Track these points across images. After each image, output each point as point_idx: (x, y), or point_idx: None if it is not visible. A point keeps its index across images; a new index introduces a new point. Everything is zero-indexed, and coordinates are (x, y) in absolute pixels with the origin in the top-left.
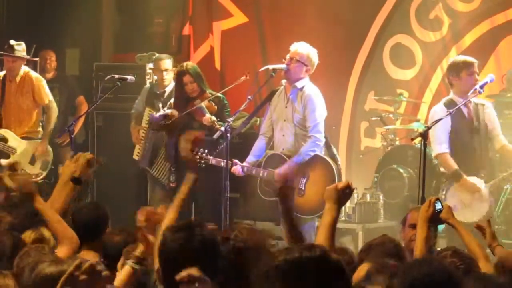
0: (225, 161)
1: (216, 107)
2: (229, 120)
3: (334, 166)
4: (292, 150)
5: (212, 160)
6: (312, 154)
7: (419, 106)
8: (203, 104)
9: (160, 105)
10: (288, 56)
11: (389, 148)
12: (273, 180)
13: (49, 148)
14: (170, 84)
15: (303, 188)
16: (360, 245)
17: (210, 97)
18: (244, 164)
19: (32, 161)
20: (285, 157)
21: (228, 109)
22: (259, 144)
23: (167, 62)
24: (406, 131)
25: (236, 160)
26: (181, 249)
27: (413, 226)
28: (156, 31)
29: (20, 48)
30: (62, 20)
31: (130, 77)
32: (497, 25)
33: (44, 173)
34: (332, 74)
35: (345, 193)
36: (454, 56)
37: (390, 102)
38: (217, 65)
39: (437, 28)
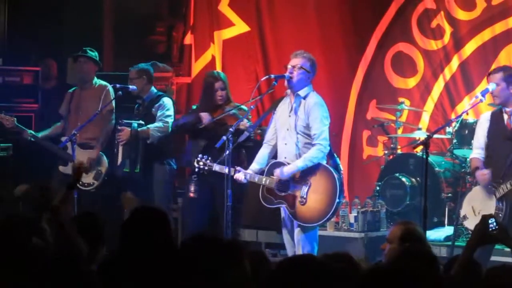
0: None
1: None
2: (231, 129)
3: (336, 176)
4: (294, 159)
5: (216, 167)
6: (315, 161)
7: (421, 114)
8: (235, 111)
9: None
10: (289, 65)
11: (391, 156)
12: (275, 187)
13: (104, 159)
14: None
15: (305, 197)
16: (363, 254)
17: (236, 105)
18: (247, 171)
19: (87, 171)
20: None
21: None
22: (263, 152)
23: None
24: (408, 139)
25: (239, 167)
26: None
27: (389, 241)
28: (157, 40)
29: (92, 53)
30: (63, 29)
31: (132, 87)
32: (498, 33)
33: (97, 183)
34: (333, 83)
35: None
36: (455, 64)
37: (391, 111)
38: None
39: (439, 37)
